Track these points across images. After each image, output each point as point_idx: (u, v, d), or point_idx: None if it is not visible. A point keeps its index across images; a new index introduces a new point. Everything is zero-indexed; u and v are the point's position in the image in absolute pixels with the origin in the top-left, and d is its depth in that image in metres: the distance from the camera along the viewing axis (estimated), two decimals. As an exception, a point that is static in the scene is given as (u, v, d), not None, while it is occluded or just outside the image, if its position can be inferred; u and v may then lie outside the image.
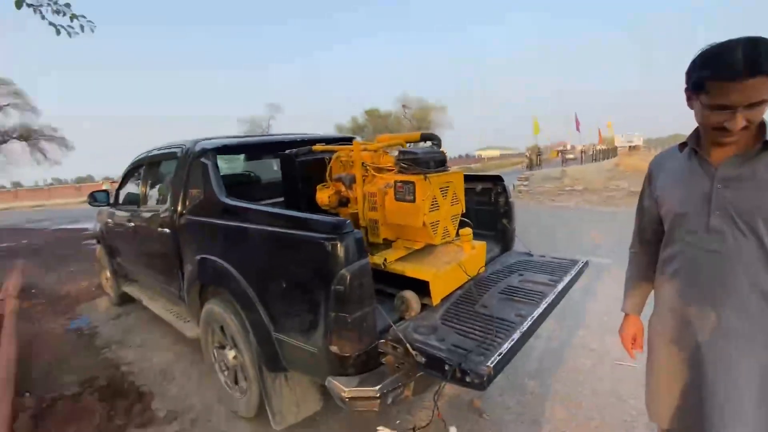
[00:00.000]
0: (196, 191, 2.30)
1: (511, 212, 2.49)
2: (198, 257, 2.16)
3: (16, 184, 39.25)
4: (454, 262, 1.87)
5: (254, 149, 2.98)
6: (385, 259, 1.87)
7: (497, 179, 2.50)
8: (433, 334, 1.54)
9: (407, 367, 1.51)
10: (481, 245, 2.09)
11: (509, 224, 2.49)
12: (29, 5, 3.55)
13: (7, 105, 26.90)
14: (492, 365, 1.29)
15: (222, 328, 2.11)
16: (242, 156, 3.46)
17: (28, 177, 44.46)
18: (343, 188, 2.21)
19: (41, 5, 3.62)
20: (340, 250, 1.44)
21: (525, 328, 1.52)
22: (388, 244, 2.06)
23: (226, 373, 2.24)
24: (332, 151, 2.33)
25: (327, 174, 2.31)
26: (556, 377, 2.38)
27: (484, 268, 2.12)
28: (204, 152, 2.35)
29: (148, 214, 2.85)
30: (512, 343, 1.43)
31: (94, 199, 3.64)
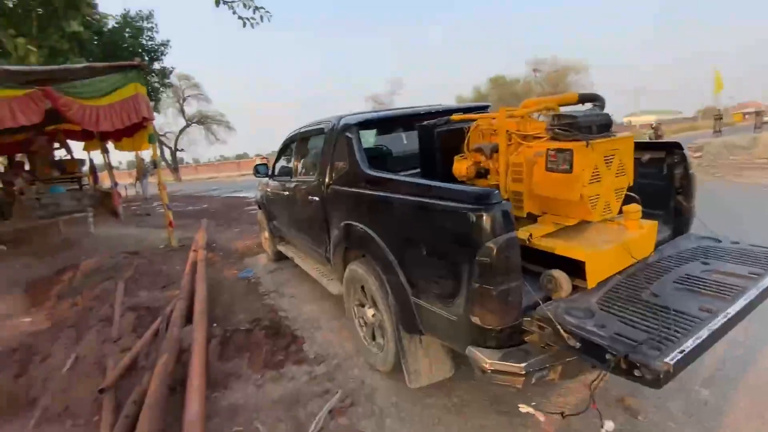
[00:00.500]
0: (341, 163, 2.49)
1: (691, 187, 2.04)
2: (343, 223, 2.37)
3: (196, 161, 49.23)
4: (616, 242, 1.63)
5: (393, 122, 3.07)
6: (531, 235, 1.74)
7: (674, 146, 2.06)
8: (590, 319, 1.38)
9: (555, 350, 1.40)
10: (651, 225, 1.78)
11: (687, 202, 2.05)
12: (225, 2, 4.28)
13: (188, 96, 33.87)
14: (672, 362, 1.10)
15: (363, 288, 2.30)
16: (374, 131, 3.62)
17: (203, 154, 55.34)
18: (482, 159, 2.12)
19: (234, 1, 4.33)
20: (487, 221, 1.39)
21: (716, 327, 1.25)
22: (532, 218, 1.91)
23: (364, 329, 2.45)
24: (471, 121, 2.24)
25: (465, 144, 2.24)
26: (743, 390, 1.94)
27: (653, 251, 1.81)
28: (348, 127, 2.52)
29: (299, 184, 3.23)
30: (699, 341, 1.19)
31: (257, 171, 4.30)
